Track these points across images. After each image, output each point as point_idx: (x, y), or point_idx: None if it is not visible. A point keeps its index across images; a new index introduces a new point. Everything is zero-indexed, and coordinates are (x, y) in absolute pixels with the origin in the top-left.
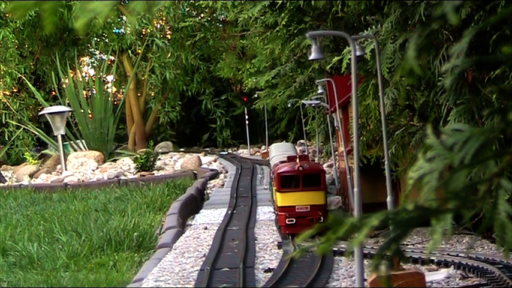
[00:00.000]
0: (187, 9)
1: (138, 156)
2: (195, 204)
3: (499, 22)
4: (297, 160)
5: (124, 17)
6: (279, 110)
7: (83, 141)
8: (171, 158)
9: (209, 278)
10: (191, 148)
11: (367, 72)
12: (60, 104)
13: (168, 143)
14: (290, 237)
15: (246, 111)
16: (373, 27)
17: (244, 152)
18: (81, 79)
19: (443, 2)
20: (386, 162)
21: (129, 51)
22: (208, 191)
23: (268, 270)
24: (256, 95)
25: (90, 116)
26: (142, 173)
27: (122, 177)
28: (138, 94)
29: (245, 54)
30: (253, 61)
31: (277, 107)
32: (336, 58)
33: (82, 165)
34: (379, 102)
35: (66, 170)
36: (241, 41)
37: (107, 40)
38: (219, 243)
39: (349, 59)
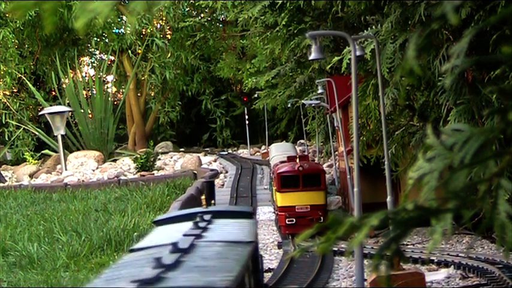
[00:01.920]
0: (187, 9)
1: (138, 156)
2: (195, 204)
3: (499, 22)
4: (297, 160)
5: (124, 17)
6: (279, 110)
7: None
8: (171, 158)
9: None
10: (191, 148)
11: (367, 72)
12: (60, 104)
13: (168, 143)
14: (290, 237)
15: (246, 111)
16: (373, 27)
17: (244, 152)
18: (81, 79)
19: (443, 2)
20: (386, 162)
21: (129, 51)
22: None
23: (268, 270)
24: (256, 95)
25: (90, 116)
26: (142, 173)
27: (122, 177)
28: (138, 94)
29: (245, 54)
30: (253, 61)
31: (277, 107)
32: (336, 58)
33: (82, 165)
34: (379, 102)
35: (66, 170)
36: (241, 41)
37: (107, 40)
38: None
39: (349, 59)
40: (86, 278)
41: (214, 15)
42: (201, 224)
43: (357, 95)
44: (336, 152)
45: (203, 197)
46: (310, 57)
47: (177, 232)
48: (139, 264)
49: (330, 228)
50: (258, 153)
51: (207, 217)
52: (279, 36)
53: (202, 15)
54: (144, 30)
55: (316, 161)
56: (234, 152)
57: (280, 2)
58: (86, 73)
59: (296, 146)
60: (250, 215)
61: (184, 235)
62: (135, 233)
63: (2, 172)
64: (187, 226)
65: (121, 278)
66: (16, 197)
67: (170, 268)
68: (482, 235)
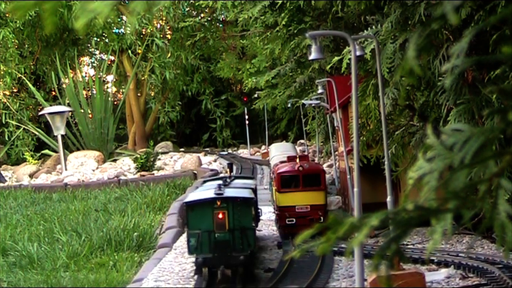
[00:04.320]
0: (187, 9)
1: (138, 156)
2: None
3: (499, 22)
4: (297, 160)
5: (124, 17)
6: (279, 110)
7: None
8: (171, 158)
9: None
10: (191, 148)
11: (367, 72)
12: (60, 104)
13: (168, 143)
14: (290, 237)
15: (246, 111)
16: (373, 27)
17: (244, 152)
18: (81, 79)
19: (443, 2)
20: (386, 162)
21: (129, 51)
22: None
23: (268, 270)
24: (256, 95)
25: (90, 116)
26: (142, 173)
27: (122, 177)
28: (138, 94)
29: (245, 54)
30: (253, 61)
31: (277, 107)
32: (336, 58)
33: (82, 165)
34: (379, 102)
35: (66, 170)
36: (241, 41)
37: (107, 40)
38: None
39: (349, 59)
40: (86, 278)
41: (214, 15)
42: (230, 178)
43: (357, 95)
44: (336, 152)
45: (228, 170)
46: (310, 57)
47: (218, 182)
48: (210, 186)
49: (330, 229)
50: (258, 153)
51: (231, 178)
52: (279, 36)
53: (202, 15)
54: (144, 30)
55: (316, 161)
56: (234, 152)
57: (280, 2)
58: (86, 73)
59: (296, 146)
60: (253, 178)
61: (224, 181)
62: (135, 233)
63: (2, 172)
64: (223, 180)
65: (205, 189)
66: (16, 197)
67: (226, 187)
68: (482, 235)
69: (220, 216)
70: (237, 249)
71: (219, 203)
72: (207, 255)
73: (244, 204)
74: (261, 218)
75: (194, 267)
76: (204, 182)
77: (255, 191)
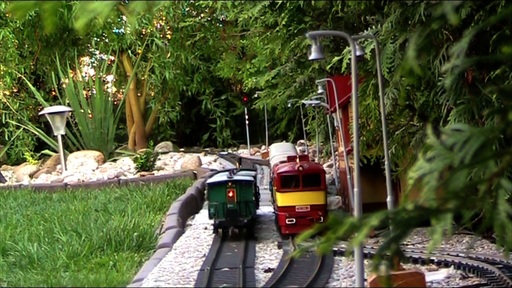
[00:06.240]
0: (187, 9)
1: (138, 156)
2: (195, 204)
3: (499, 22)
4: (297, 160)
5: (124, 17)
6: (279, 110)
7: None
8: (171, 158)
9: (209, 278)
10: (191, 148)
11: (367, 72)
12: (60, 104)
13: (168, 143)
14: (290, 237)
15: (246, 111)
16: (373, 27)
17: (244, 152)
18: (81, 79)
19: (443, 2)
20: (386, 162)
21: (129, 51)
22: None
23: (268, 270)
24: (256, 95)
25: (90, 116)
26: (142, 173)
27: (122, 177)
28: (138, 94)
29: (245, 54)
30: (253, 61)
31: (277, 107)
32: (336, 58)
33: (82, 165)
34: (379, 102)
35: (66, 170)
36: (241, 41)
37: (107, 40)
38: (219, 243)
39: (349, 59)
40: (86, 278)
41: (214, 15)
42: (237, 170)
43: (357, 95)
44: (336, 152)
45: (237, 163)
46: (310, 57)
47: (227, 173)
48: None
49: (330, 229)
50: (258, 153)
51: (238, 169)
52: (279, 36)
53: (202, 15)
54: (144, 30)
55: (316, 161)
56: (234, 152)
57: (280, 2)
58: (86, 73)
59: (296, 146)
60: (255, 170)
61: (232, 172)
62: (135, 233)
63: (2, 172)
64: (232, 170)
65: (219, 176)
66: (16, 197)
67: (234, 174)
68: (482, 235)
69: (231, 193)
70: (242, 215)
71: (230, 184)
72: (221, 219)
73: (247, 184)
74: (261, 218)
75: (194, 267)
76: (217, 172)
77: (255, 177)
